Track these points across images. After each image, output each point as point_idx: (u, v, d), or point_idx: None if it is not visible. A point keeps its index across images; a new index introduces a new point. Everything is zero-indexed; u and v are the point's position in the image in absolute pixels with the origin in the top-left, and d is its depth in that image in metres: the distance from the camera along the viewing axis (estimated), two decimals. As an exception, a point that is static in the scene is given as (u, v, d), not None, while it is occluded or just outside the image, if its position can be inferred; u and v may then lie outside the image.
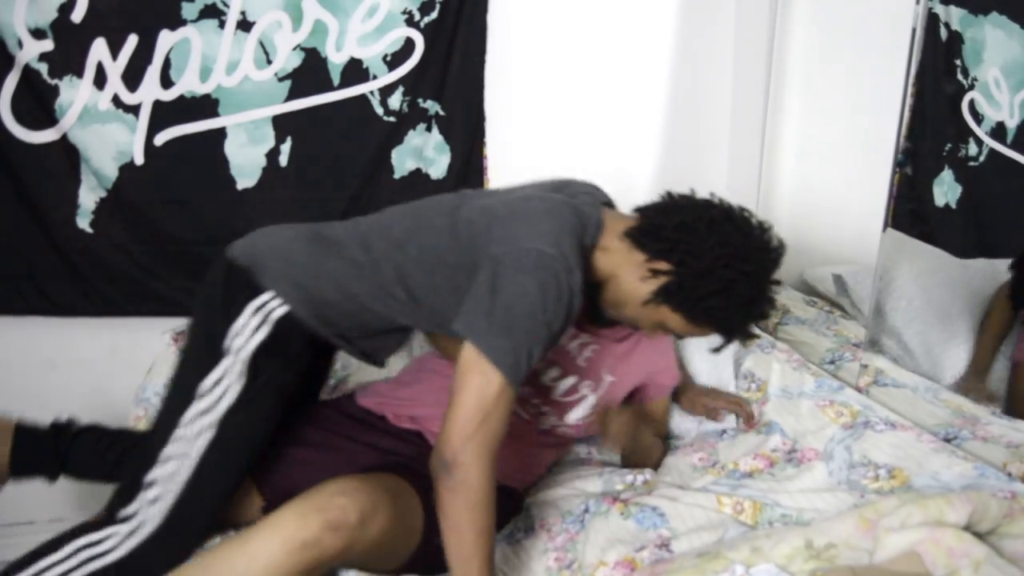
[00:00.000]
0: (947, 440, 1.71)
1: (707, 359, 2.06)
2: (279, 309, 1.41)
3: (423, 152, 2.27)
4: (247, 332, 1.39)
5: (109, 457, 1.61)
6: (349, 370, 2.08)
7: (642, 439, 1.79)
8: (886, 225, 2.01)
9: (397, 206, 1.57)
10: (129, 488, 1.38)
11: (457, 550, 1.27)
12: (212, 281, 1.47)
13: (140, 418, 1.86)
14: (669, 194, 1.46)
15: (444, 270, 1.40)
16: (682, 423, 2.00)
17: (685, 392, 1.94)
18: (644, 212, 1.44)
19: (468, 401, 1.25)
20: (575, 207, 1.40)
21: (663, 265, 1.37)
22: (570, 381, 1.72)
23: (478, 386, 1.25)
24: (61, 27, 1.97)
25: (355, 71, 2.17)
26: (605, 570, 1.43)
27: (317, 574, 1.24)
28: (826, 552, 1.15)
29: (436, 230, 1.43)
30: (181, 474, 1.38)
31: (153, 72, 2.05)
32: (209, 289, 1.46)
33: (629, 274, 1.42)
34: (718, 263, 1.34)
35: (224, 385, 1.38)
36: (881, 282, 2.05)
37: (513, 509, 1.63)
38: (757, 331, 1.49)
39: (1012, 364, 2.03)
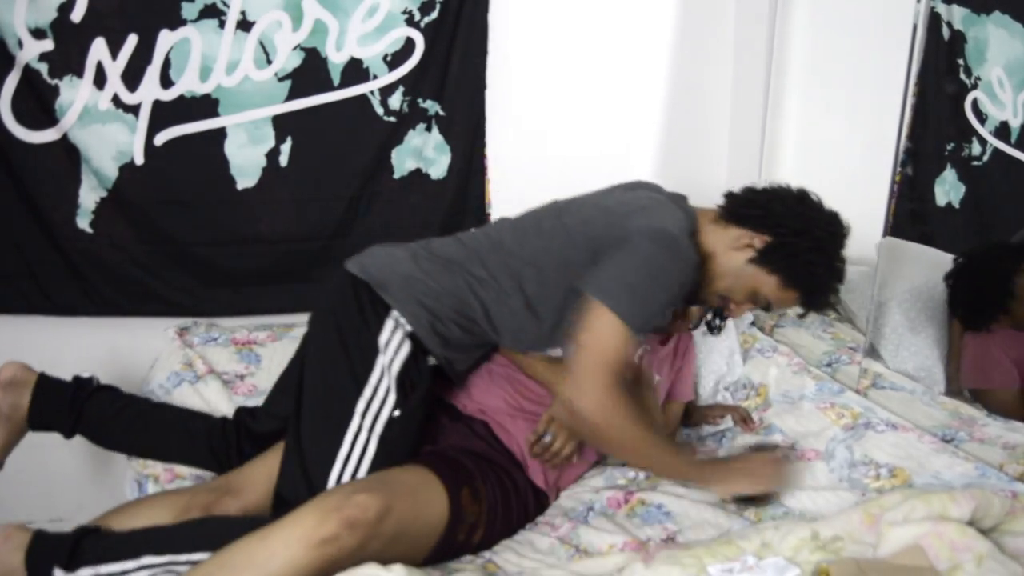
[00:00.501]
0: (945, 441, 1.71)
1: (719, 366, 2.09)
2: (407, 326, 1.52)
3: (423, 152, 2.27)
4: (392, 347, 1.50)
5: (123, 418, 1.68)
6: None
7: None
8: (885, 230, 2.01)
9: (497, 221, 1.70)
10: None
11: (636, 459, 1.51)
12: (339, 297, 1.55)
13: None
14: (747, 187, 1.64)
15: (561, 268, 1.52)
16: (681, 432, 2.02)
17: (691, 414, 2.03)
18: (731, 196, 1.61)
19: (593, 362, 1.39)
20: (676, 202, 1.55)
21: (760, 232, 1.53)
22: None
23: (604, 343, 1.38)
24: (61, 27, 1.97)
25: (355, 71, 2.16)
26: (615, 551, 1.43)
27: (336, 569, 1.24)
28: (832, 544, 1.16)
29: (546, 233, 1.55)
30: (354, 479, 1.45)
31: (153, 72, 2.05)
32: (338, 305, 1.54)
33: (726, 249, 1.56)
34: (810, 223, 1.53)
35: (380, 401, 1.47)
36: (878, 289, 2.05)
37: (537, 512, 1.65)
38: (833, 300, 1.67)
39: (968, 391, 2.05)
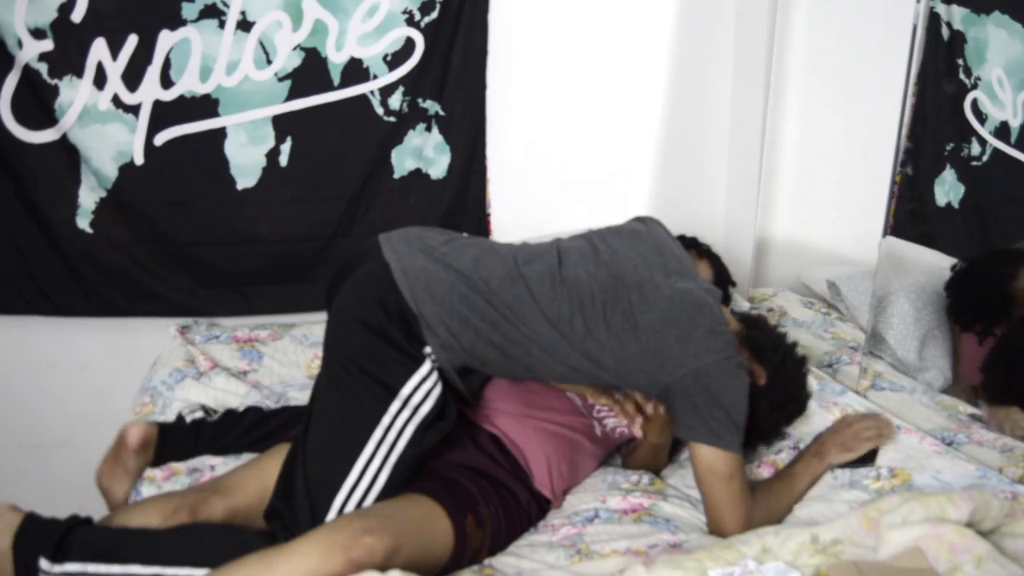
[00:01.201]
0: (945, 444, 1.72)
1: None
2: (437, 362, 1.49)
3: (423, 152, 2.27)
4: (426, 388, 1.46)
5: (231, 449, 1.73)
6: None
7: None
8: (885, 230, 2.01)
9: (557, 272, 1.57)
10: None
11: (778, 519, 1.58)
12: (373, 310, 1.48)
13: (146, 405, 1.88)
14: (769, 323, 1.77)
15: (633, 360, 1.51)
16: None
17: None
18: (758, 327, 1.71)
19: (727, 503, 1.49)
20: (720, 308, 1.59)
21: (762, 371, 1.62)
22: None
23: (729, 477, 1.48)
24: (61, 27, 1.96)
25: (355, 71, 2.16)
26: (616, 556, 1.43)
27: None
28: (832, 548, 1.16)
29: (616, 333, 1.51)
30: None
31: (153, 72, 2.05)
32: (372, 319, 1.47)
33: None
34: (799, 395, 1.72)
35: (397, 432, 1.44)
36: (879, 289, 2.05)
37: (539, 518, 1.65)
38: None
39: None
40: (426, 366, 1.47)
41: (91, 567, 1.29)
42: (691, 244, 1.90)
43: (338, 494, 1.40)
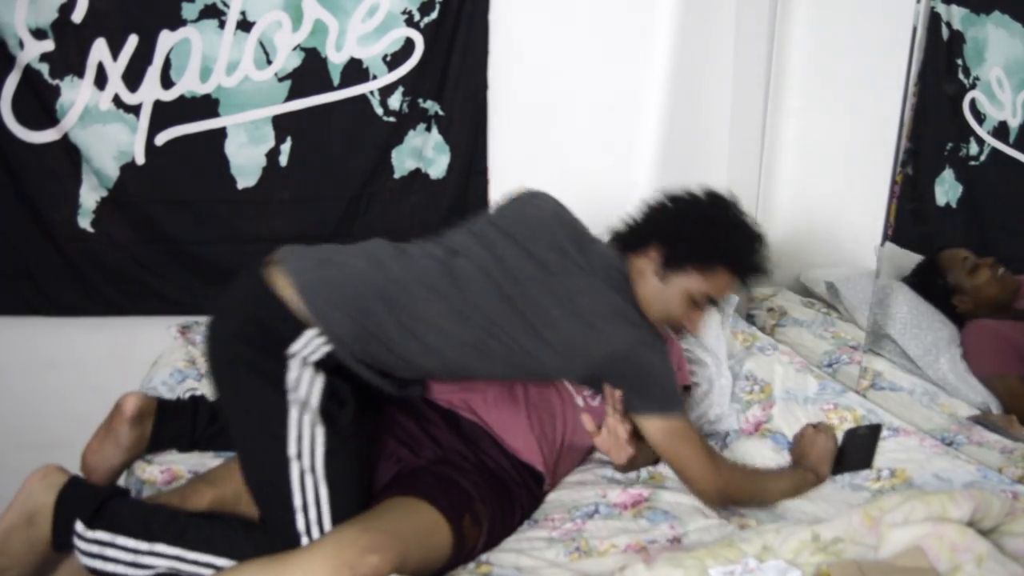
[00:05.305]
0: (945, 444, 1.72)
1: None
2: (321, 350, 1.42)
3: (423, 152, 2.27)
4: (304, 385, 1.40)
5: (221, 437, 1.69)
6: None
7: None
8: (886, 230, 2.01)
9: (463, 261, 1.52)
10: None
11: (761, 504, 1.60)
12: (253, 316, 1.44)
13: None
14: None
15: (559, 350, 1.49)
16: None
17: None
18: (617, 235, 1.63)
19: (691, 458, 1.52)
20: (618, 281, 1.55)
21: (651, 247, 1.55)
22: None
23: (684, 441, 1.52)
24: (62, 27, 1.97)
25: (355, 71, 2.16)
26: (616, 552, 1.43)
27: None
28: (833, 546, 1.16)
29: (526, 335, 1.48)
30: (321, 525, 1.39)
31: (153, 72, 2.05)
32: (239, 350, 1.42)
33: (642, 276, 1.56)
34: (685, 208, 1.57)
35: (310, 440, 1.39)
36: (879, 291, 2.05)
37: (531, 505, 1.64)
38: (765, 268, 1.63)
39: None
40: (293, 371, 1.40)
41: (120, 539, 1.33)
42: None
43: (296, 520, 1.37)
